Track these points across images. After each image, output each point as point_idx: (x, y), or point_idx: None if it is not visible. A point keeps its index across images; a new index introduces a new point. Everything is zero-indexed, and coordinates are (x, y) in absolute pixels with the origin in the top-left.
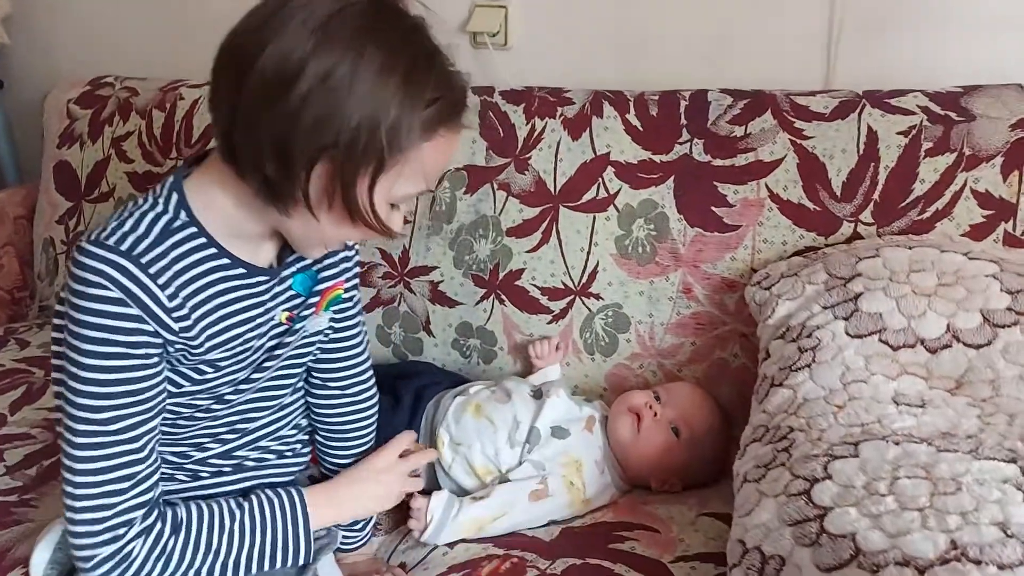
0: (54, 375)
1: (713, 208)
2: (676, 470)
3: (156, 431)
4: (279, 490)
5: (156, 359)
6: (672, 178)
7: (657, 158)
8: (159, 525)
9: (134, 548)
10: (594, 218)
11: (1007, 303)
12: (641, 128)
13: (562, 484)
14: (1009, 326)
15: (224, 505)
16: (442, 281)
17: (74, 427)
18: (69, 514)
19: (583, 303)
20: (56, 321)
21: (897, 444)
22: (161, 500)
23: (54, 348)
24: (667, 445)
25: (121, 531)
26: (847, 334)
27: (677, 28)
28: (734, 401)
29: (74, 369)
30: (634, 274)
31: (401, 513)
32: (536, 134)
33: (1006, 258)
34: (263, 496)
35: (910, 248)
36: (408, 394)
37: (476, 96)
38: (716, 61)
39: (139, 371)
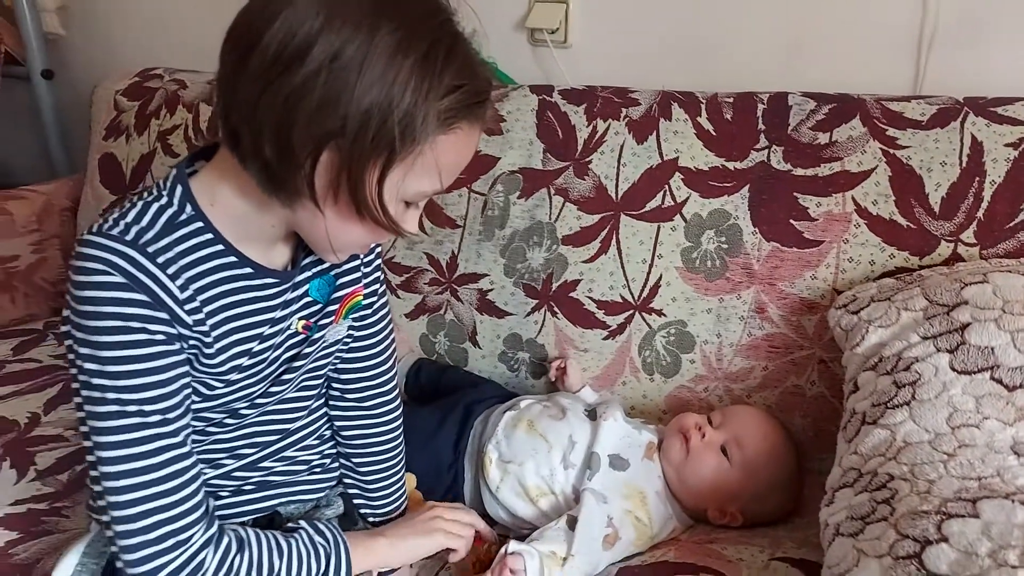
0: (73, 386)
1: (792, 221)
2: (731, 497)
3: (189, 425)
4: (322, 526)
5: (178, 346)
6: (747, 187)
7: (731, 165)
8: (226, 539)
9: (205, 557)
10: (659, 228)
11: None
12: (714, 132)
13: (628, 521)
14: None
15: (274, 535)
16: (491, 290)
17: (105, 426)
18: (119, 528)
19: (643, 319)
20: (64, 327)
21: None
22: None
23: (69, 357)
24: (718, 469)
25: (184, 535)
26: (953, 369)
27: (751, 26)
28: (808, 433)
29: (92, 366)
30: (701, 290)
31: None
32: (598, 136)
33: None
34: (309, 532)
35: (1023, 274)
36: (456, 410)
37: (533, 95)
38: (794, 62)
39: (162, 358)
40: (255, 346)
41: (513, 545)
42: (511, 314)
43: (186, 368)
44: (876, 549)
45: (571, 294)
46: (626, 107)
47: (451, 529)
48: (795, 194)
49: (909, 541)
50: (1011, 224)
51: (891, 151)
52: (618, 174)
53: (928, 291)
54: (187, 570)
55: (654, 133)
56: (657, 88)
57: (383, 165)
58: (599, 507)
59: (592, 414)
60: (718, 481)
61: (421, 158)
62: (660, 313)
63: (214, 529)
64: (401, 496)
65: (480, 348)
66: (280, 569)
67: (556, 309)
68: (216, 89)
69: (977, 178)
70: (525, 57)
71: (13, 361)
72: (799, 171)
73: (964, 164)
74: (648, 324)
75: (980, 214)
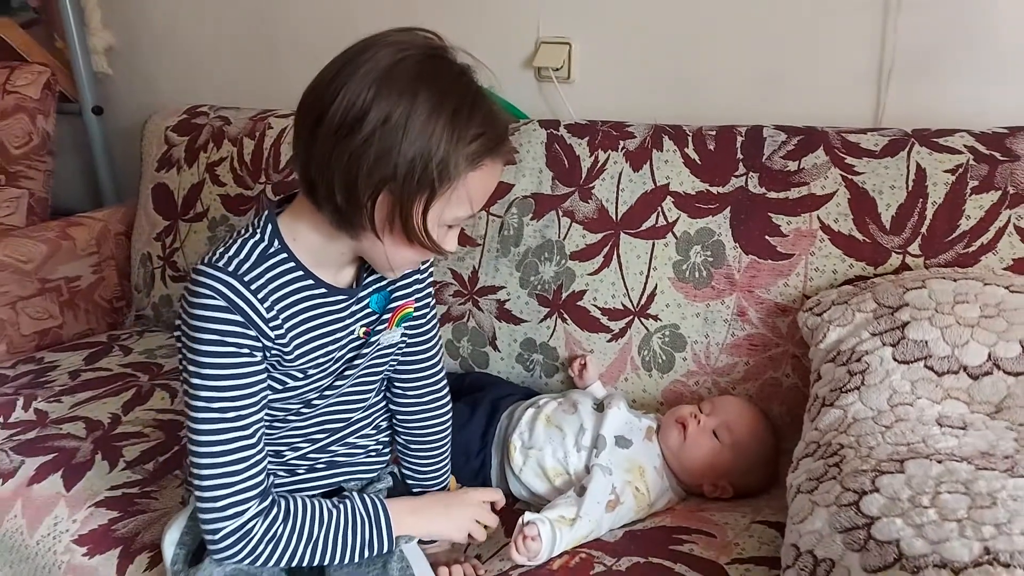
0: (181, 377)
1: (767, 237)
2: (723, 474)
3: (262, 422)
4: (367, 497)
5: (259, 358)
6: (728, 208)
7: (714, 189)
8: (275, 510)
9: (254, 526)
10: (653, 244)
11: None
12: (699, 161)
13: (629, 490)
14: None
15: (323, 504)
16: (508, 300)
17: (196, 416)
18: (197, 493)
19: (642, 323)
20: (176, 333)
21: (940, 462)
22: (273, 492)
23: (179, 357)
24: (712, 449)
25: (241, 508)
26: (894, 360)
27: (732, 65)
28: (785, 418)
29: (193, 368)
30: (691, 297)
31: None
32: (599, 165)
33: None
34: (355, 501)
35: (955, 280)
36: (484, 405)
37: (542, 128)
38: (769, 97)
39: (245, 368)
40: (326, 348)
41: (528, 516)
42: (526, 321)
43: (264, 375)
44: (825, 500)
45: (578, 303)
46: (623, 139)
47: (481, 520)
48: (769, 214)
49: (850, 492)
50: (949, 238)
51: (849, 177)
52: (617, 198)
53: (877, 295)
54: (238, 534)
55: (648, 162)
56: (650, 119)
57: (426, 201)
58: (605, 478)
59: (599, 407)
60: (711, 460)
61: (456, 192)
62: (656, 318)
63: (267, 503)
64: (445, 474)
65: (499, 351)
66: (318, 536)
67: (566, 316)
68: (293, 146)
69: (921, 199)
70: (532, 92)
71: (87, 370)
72: (772, 194)
73: (910, 187)
74: (646, 327)
75: (923, 230)
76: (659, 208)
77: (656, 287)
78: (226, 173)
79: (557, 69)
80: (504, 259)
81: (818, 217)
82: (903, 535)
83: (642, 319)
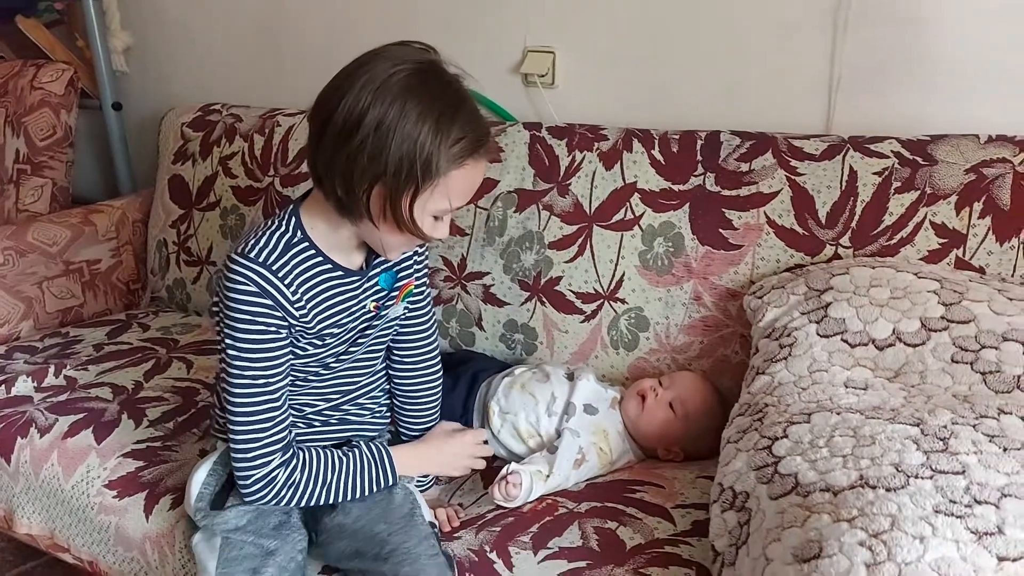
0: (218, 348)
1: (721, 230)
2: (675, 440)
3: (286, 388)
4: (372, 445)
5: (285, 334)
6: (688, 204)
7: (676, 187)
8: (295, 461)
9: (277, 475)
10: (622, 236)
11: (941, 313)
12: (663, 162)
13: (594, 450)
14: (940, 331)
15: (335, 453)
16: (493, 285)
17: (232, 381)
18: (232, 446)
19: (611, 306)
20: (214, 310)
21: (839, 415)
22: (294, 444)
23: (216, 330)
24: (666, 420)
25: (267, 459)
26: (817, 335)
27: (699, 74)
28: (734, 391)
29: (230, 342)
30: (654, 283)
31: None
32: (576, 164)
33: (949, 278)
34: (363, 448)
35: (873, 268)
36: (465, 376)
37: (526, 130)
38: (732, 104)
39: (273, 343)
40: (341, 320)
41: (512, 466)
42: (509, 304)
43: (288, 348)
44: (746, 446)
45: (555, 288)
46: (598, 141)
47: (475, 454)
48: (723, 209)
49: (765, 439)
50: (874, 232)
51: (792, 177)
52: (591, 194)
53: (808, 280)
54: (264, 480)
55: (619, 162)
56: (625, 123)
57: (412, 194)
58: (573, 440)
59: (570, 376)
60: (665, 428)
61: (438, 188)
62: (623, 301)
63: (288, 455)
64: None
65: (484, 331)
66: (330, 481)
67: (544, 299)
68: (307, 147)
69: (852, 198)
70: (519, 96)
71: (109, 344)
72: (726, 192)
73: (843, 187)
74: (614, 310)
75: (853, 224)
76: (627, 203)
77: (624, 274)
78: (237, 166)
79: (542, 76)
80: (490, 248)
81: (765, 213)
82: (800, 468)
83: (611, 302)
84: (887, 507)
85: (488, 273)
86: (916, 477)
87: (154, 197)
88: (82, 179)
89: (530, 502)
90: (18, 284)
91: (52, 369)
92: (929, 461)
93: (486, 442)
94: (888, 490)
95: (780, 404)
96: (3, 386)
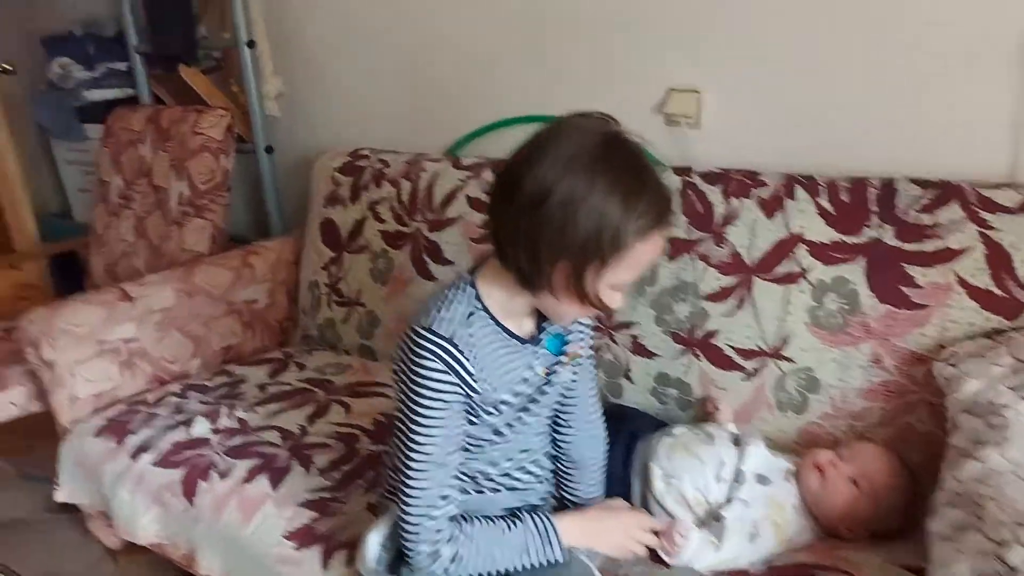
0: (395, 412)
1: (902, 288)
2: (862, 520)
3: (459, 460)
4: (538, 517)
5: (463, 410)
6: (863, 258)
7: (848, 239)
8: (461, 536)
9: (443, 550)
10: (787, 289)
11: None
12: (833, 212)
13: (768, 524)
14: None
15: (500, 524)
16: (643, 336)
17: (413, 457)
18: (403, 517)
19: (776, 365)
20: (396, 378)
21: None
22: (459, 517)
23: (396, 390)
24: (851, 497)
25: (436, 536)
26: None
27: (860, 113)
28: (921, 462)
29: (414, 416)
30: (827, 342)
31: None
32: (733, 211)
33: None
34: (527, 521)
35: None
36: (623, 434)
37: (676, 176)
38: (900, 144)
39: (454, 420)
40: (515, 388)
41: (686, 522)
42: (659, 355)
43: (464, 421)
44: (967, 547)
45: (712, 341)
46: (755, 187)
47: (641, 540)
48: (903, 265)
49: (992, 543)
50: None
51: (986, 232)
52: (751, 244)
53: (1013, 351)
54: (431, 555)
55: (780, 210)
56: (780, 165)
57: (598, 268)
58: (746, 512)
59: (736, 440)
60: (850, 507)
61: (624, 261)
62: (791, 360)
63: (455, 530)
64: (601, 495)
65: (633, 383)
66: (496, 555)
67: (699, 354)
68: (487, 214)
69: None
70: (661, 136)
71: (271, 384)
72: (908, 246)
73: None
74: (780, 369)
75: None
76: (792, 254)
77: (791, 331)
78: (385, 211)
79: (688, 117)
80: (640, 298)
81: (954, 270)
82: None
83: (776, 361)
84: None
85: (637, 323)
86: None
87: (306, 239)
88: (235, 218)
89: None
90: (188, 324)
91: (224, 410)
92: None
93: (657, 533)
94: None
95: (1001, 499)
96: (184, 427)
